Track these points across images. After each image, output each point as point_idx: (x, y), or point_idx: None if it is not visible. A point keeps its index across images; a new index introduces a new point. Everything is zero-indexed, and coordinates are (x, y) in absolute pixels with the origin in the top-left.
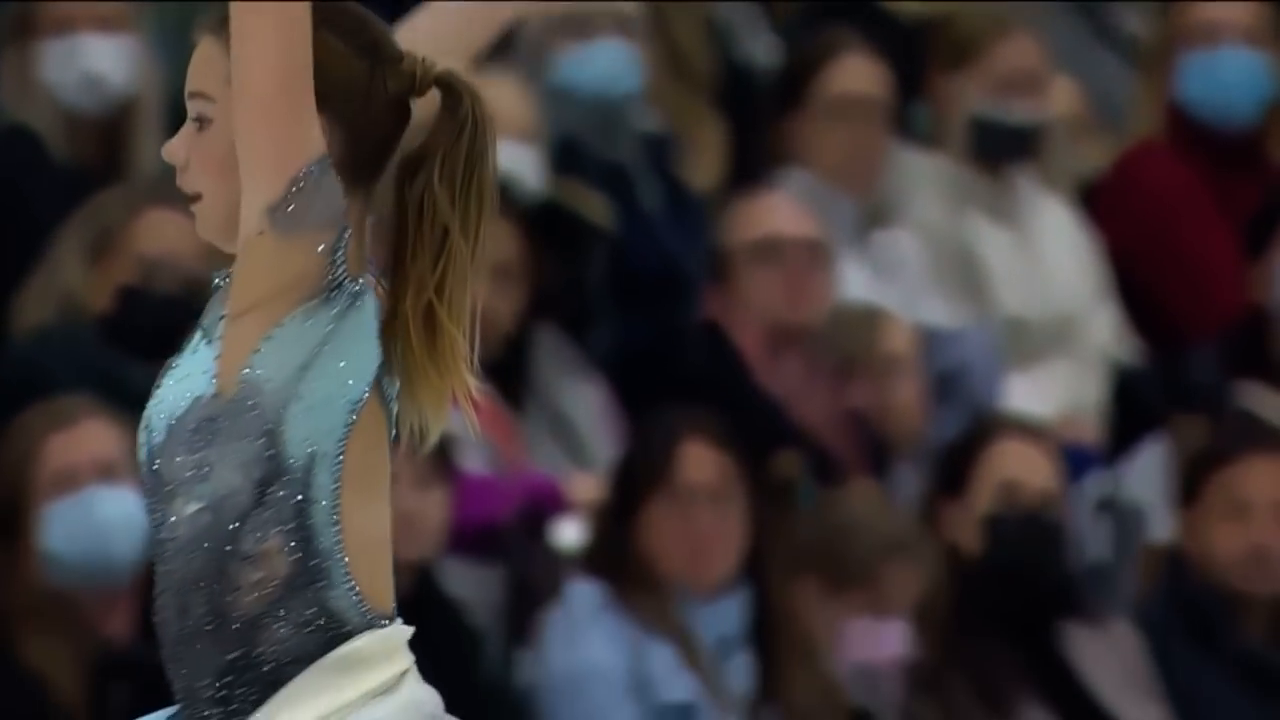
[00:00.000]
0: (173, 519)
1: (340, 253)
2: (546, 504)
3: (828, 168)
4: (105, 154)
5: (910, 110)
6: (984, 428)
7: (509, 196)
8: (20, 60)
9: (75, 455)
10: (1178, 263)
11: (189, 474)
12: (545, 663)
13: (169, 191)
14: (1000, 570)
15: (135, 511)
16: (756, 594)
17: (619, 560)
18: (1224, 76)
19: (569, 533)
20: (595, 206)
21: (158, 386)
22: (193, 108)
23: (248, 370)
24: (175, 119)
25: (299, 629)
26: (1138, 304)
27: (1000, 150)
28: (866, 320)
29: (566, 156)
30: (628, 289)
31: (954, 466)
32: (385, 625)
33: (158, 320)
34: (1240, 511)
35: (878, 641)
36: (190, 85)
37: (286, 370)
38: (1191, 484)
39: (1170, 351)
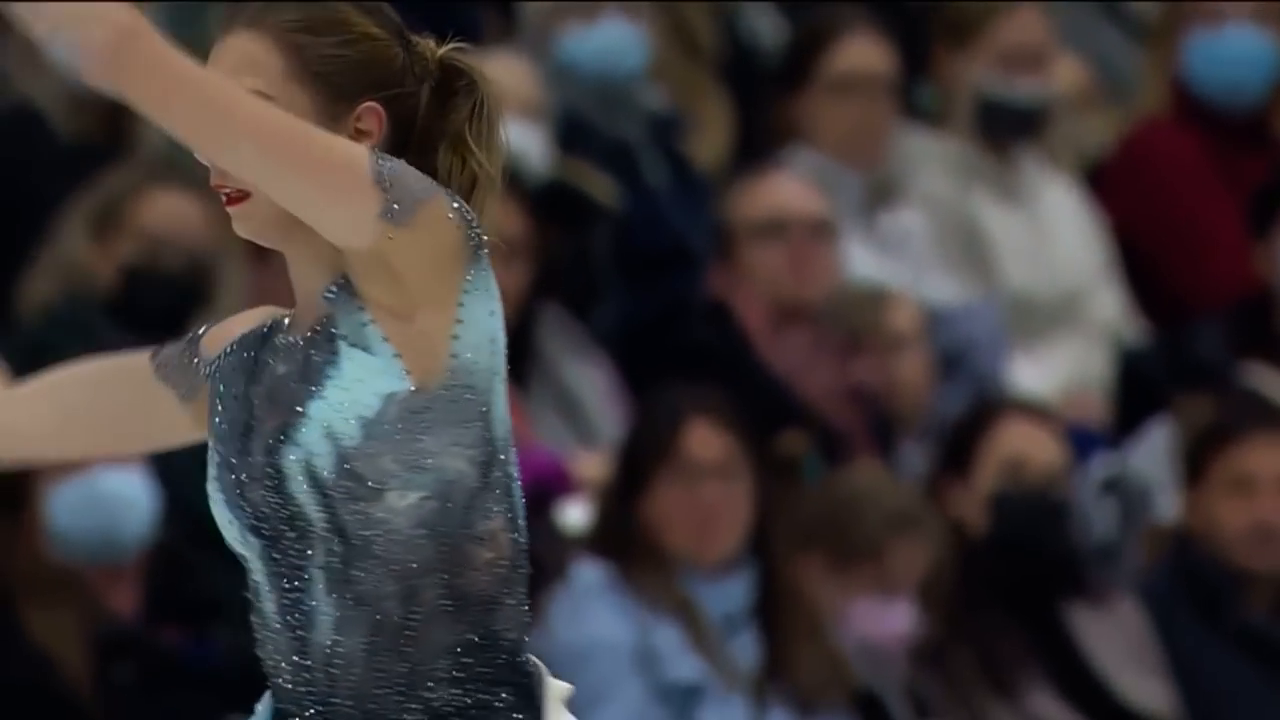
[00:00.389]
0: (381, 514)
1: (460, 205)
2: (552, 483)
3: (833, 145)
4: (110, 132)
5: (915, 88)
6: (989, 406)
7: (515, 175)
8: (26, 38)
9: None
10: (1183, 240)
11: (402, 467)
12: (550, 640)
13: (173, 170)
14: (1005, 547)
15: (141, 489)
16: (762, 571)
17: (624, 538)
18: (1230, 54)
19: (574, 512)
20: (600, 184)
21: (298, 407)
22: None
23: (453, 358)
24: None
25: (521, 605)
26: (1143, 281)
27: (1006, 127)
28: (871, 297)
29: (572, 134)
30: (633, 266)
31: (959, 444)
32: None
33: (163, 299)
34: (1245, 488)
35: (883, 618)
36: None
37: (484, 348)
38: (1196, 462)
39: (1175, 329)
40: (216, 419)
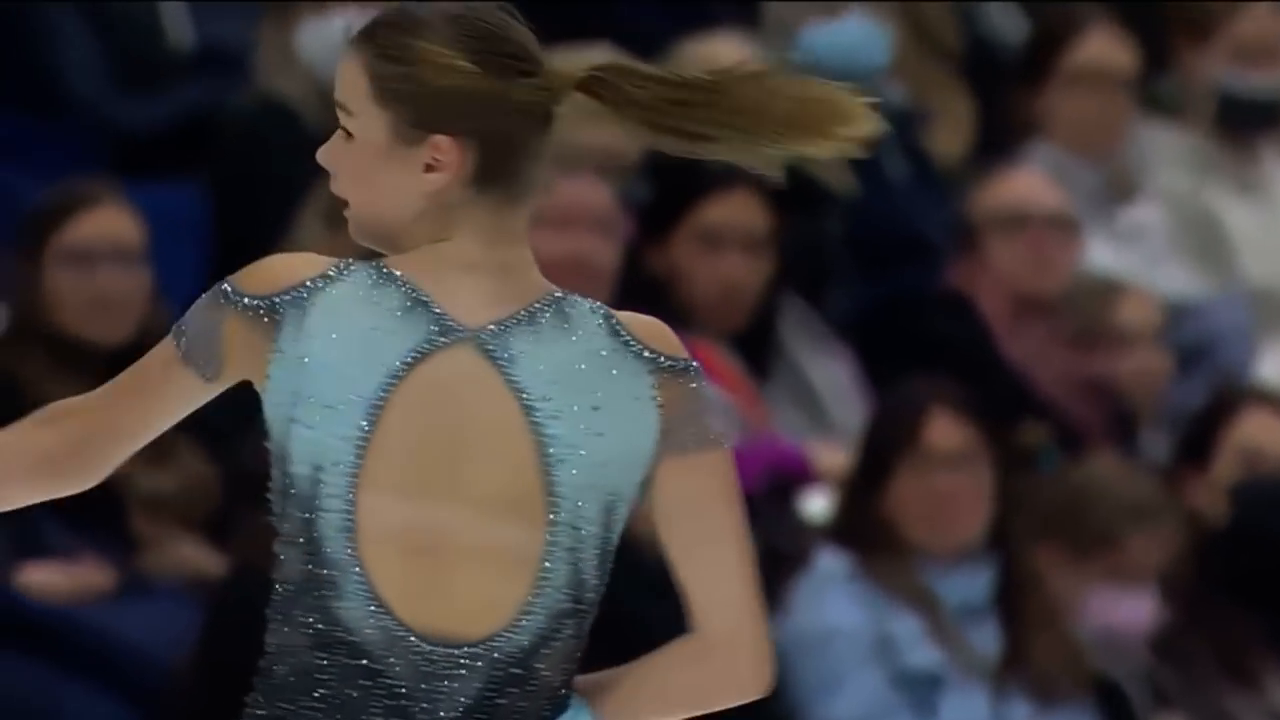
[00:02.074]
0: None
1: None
2: (793, 473)
3: (1072, 139)
4: None
5: (1154, 82)
6: (1228, 397)
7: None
8: (278, 34)
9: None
10: None
11: None
12: (791, 628)
13: None
14: (1244, 538)
15: None
16: (1001, 560)
17: (865, 527)
18: None
19: (816, 502)
20: (833, 169)
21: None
22: (341, 119)
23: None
24: None
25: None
26: None
27: (1244, 121)
28: (1109, 291)
29: None
30: (873, 259)
31: (1198, 435)
32: None
33: None
34: None
35: (1122, 608)
36: (337, 96)
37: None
38: None
39: None
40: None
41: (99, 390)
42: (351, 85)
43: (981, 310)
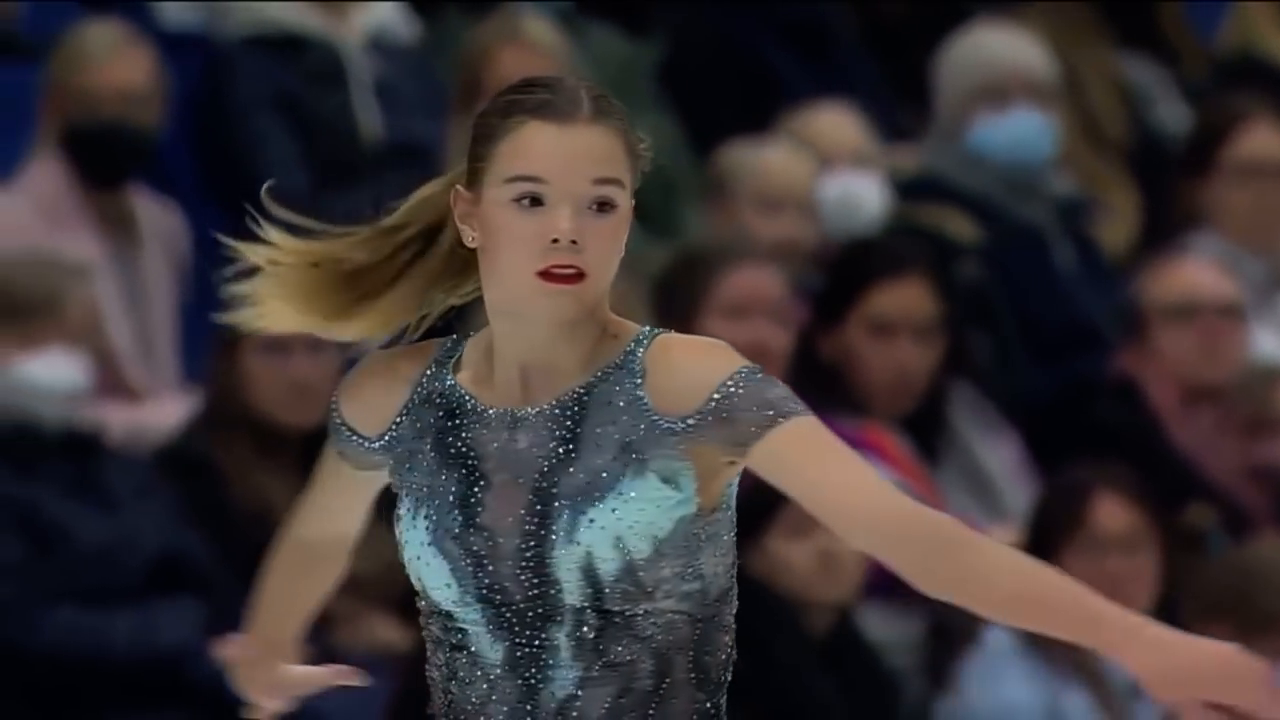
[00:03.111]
0: (647, 607)
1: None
2: None
3: (1237, 230)
4: None
5: None
6: None
7: (917, 257)
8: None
9: None
10: None
11: (675, 575)
12: (962, 703)
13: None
14: None
15: None
16: None
17: None
18: None
19: None
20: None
21: (584, 511)
22: (596, 192)
23: (728, 485)
24: None
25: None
26: None
27: None
28: (1276, 378)
29: (984, 217)
30: (1042, 346)
31: None
32: None
33: None
34: None
35: None
36: (599, 171)
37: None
38: None
39: None
40: (414, 481)
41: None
42: (617, 162)
43: (1150, 397)
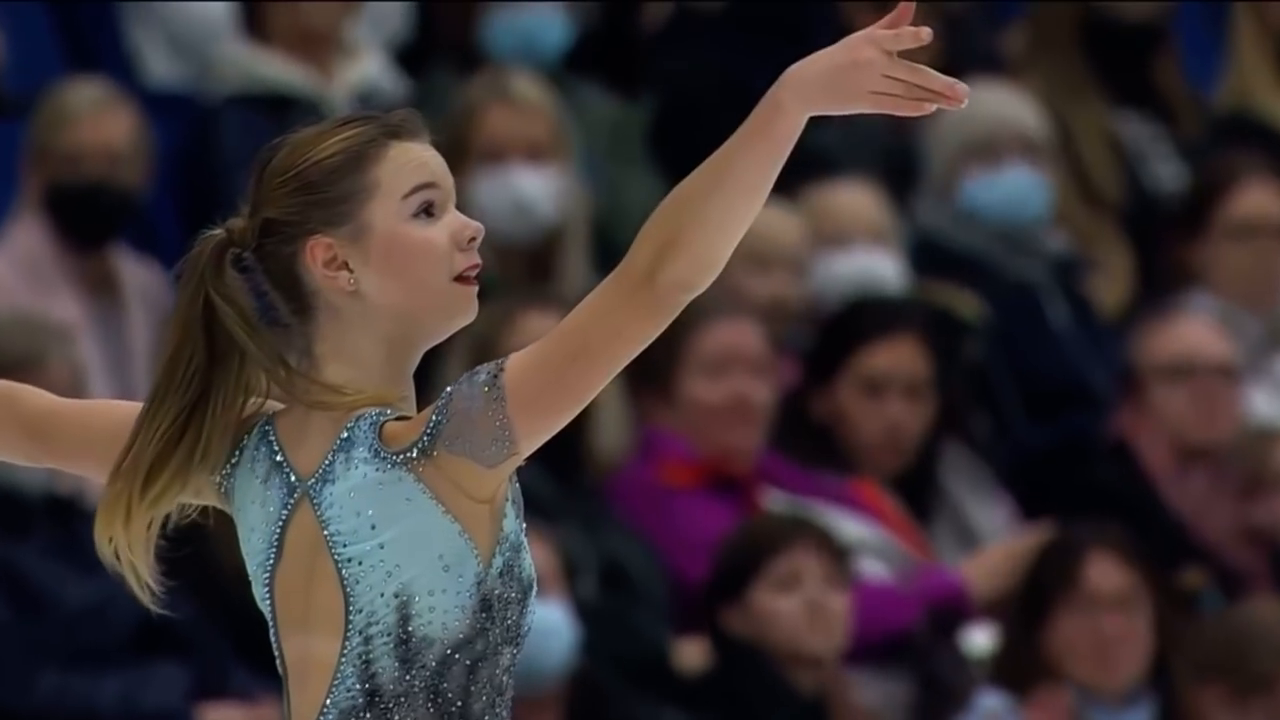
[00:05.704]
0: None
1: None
2: (954, 606)
3: (1232, 289)
4: (533, 278)
5: None
6: None
7: (909, 316)
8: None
9: None
10: None
11: None
12: None
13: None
14: None
15: (563, 621)
16: (1161, 701)
17: (1026, 666)
18: None
19: (979, 638)
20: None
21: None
22: (447, 204)
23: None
24: (601, 245)
25: None
26: None
27: None
28: (1271, 439)
29: (975, 276)
30: (1037, 404)
31: None
32: None
33: None
34: None
35: None
36: (451, 177)
37: None
38: None
39: None
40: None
41: None
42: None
43: (1145, 457)
